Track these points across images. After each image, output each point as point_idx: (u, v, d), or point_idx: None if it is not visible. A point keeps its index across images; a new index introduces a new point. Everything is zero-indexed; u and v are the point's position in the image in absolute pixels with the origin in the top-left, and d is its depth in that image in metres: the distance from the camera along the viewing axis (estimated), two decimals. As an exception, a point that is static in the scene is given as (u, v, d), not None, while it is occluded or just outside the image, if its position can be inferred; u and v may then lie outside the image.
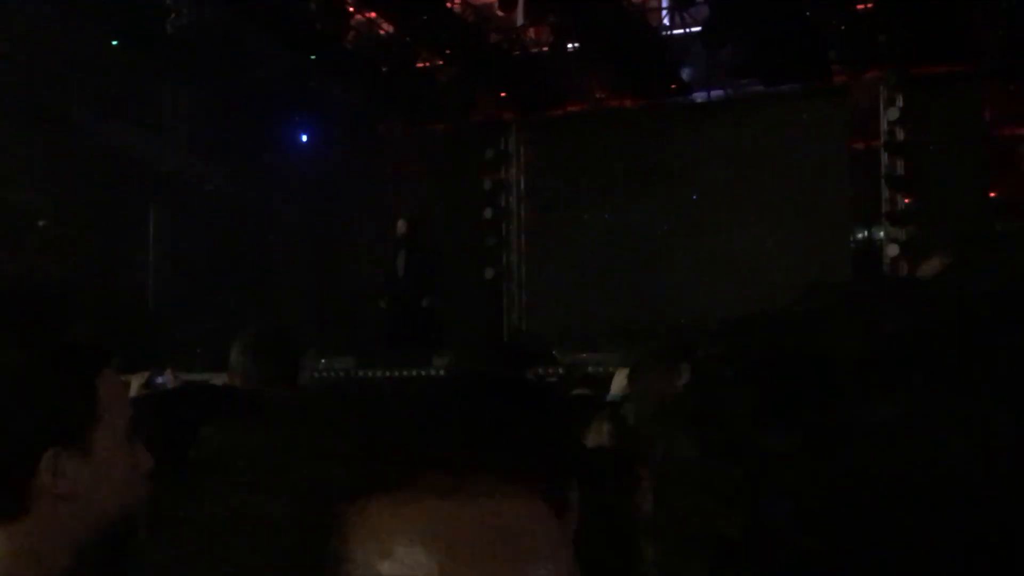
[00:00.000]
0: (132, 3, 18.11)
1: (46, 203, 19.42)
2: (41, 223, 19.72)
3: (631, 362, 5.12)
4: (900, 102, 18.93)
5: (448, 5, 20.22)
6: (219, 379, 4.77)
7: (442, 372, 14.52)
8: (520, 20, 20.45)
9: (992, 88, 19.00)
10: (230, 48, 19.23)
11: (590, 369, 14.05)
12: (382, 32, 20.56)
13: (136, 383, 5.75)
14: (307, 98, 20.98)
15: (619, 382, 4.81)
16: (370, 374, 16.22)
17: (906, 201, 19.04)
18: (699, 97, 21.01)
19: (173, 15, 18.92)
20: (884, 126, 19.16)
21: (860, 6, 18.16)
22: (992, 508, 0.70)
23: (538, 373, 12.25)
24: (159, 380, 5.87)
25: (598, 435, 5.21)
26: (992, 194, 19.03)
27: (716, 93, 20.76)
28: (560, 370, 13.99)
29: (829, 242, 19.27)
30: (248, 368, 4.55)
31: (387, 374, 15.95)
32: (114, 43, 18.36)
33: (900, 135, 19.04)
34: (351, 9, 19.74)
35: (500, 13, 19.78)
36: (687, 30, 20.18)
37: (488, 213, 21.40)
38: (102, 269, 19.95)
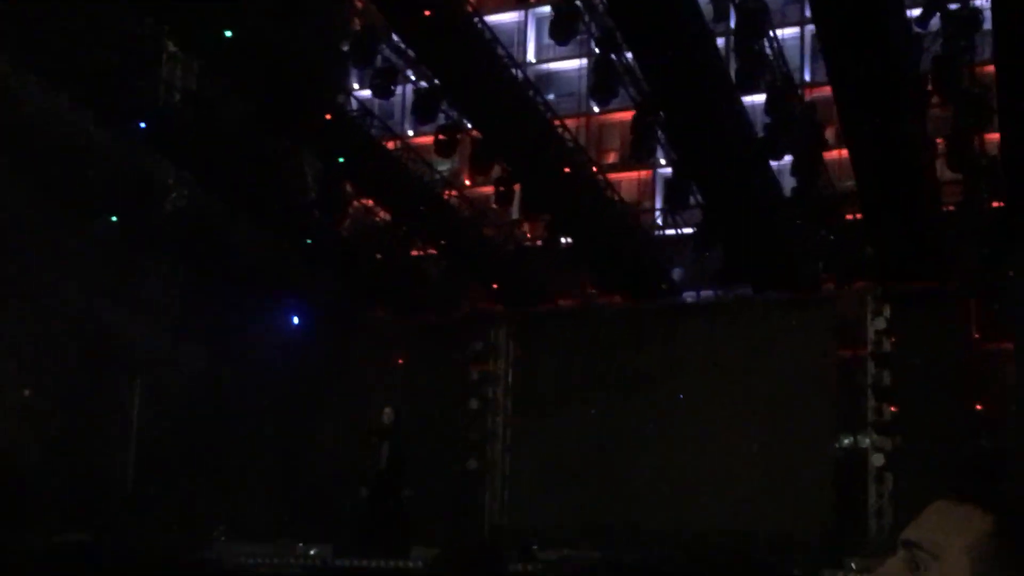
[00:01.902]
0: (131, 183, 18.38)
1: (27, 375, 19.36)
2: (25, 392, 19.62)
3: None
4: (887, 313, 19.12)
5: (444, 197, 20.59)
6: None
7: (420, 564, 14.29)
8: (514, 215, 20.78)
9: (977, 305, 19.23)
10: (224, 231, 19.42)
11: (567, 570, 13.85)
12: (378, 220, 20.85)
13: None
14: (297, 283, 21.11)
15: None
16: (347, 563, 15.95)
17: (892, 411, 19.06)
18: (688, 298, 21.23)
19: (173, 194, 19.21)
20: (871, 336, 19.30)
21: (848, 217, 18.49)
22: None
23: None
24: None
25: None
26: (977, 407, 19.07)
27: (705, 295, 20.98)
28: (539, 566, 13.79)
29: (813, 449, 19.21)
30: None
31: (364, 564, 15.69)
32: (113, 219, 18.55)
33: (886, 346, 19.18)
34: (349, 196, 20.06)
35: (495, 207, 20.09)
36: (679, 231, 20.51)
37: (474, 404, 21.35)
38: (80, 442, 19.77)
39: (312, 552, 17.19)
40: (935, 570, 1.57)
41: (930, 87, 15.47)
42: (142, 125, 16.99)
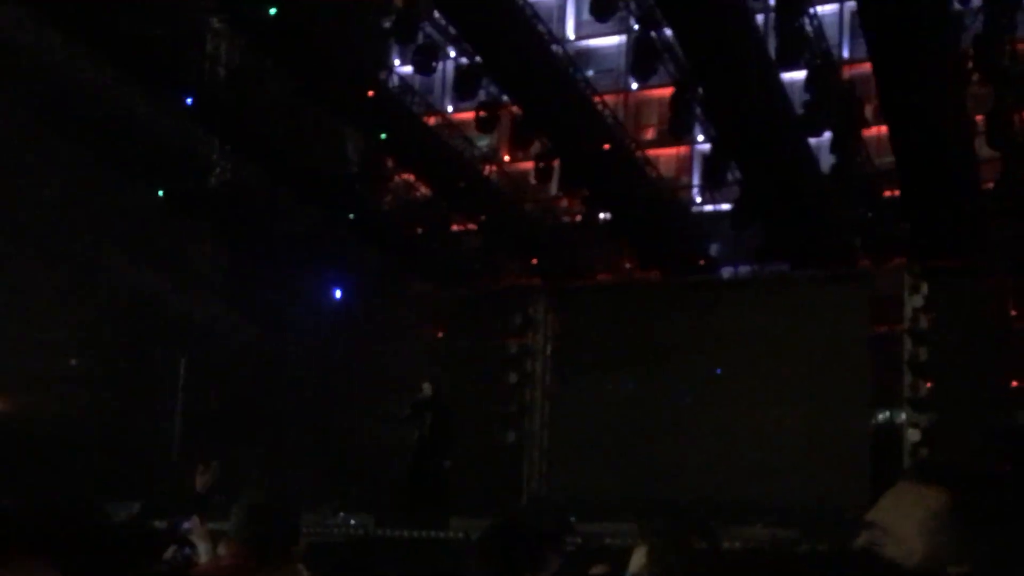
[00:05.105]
0: (177, 157, 18.65)
1: (78, 343, 19.73)
2: (72, 361, 19.98)
3: (649, 538, 5.13)
4: (924, 290, 19.16)
5: (485, 173, 20.73)
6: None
7: (460, 535, 14.53)
8: (554, 191, 20.91)
9: (1013, 282, 19.23)
10: (268, 204, 19.71)
11: (607, 540, 14.01)
12: (419, 195, 21.04)
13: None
14: (340, 255, 21.33)
15: (638, 560, 4.80)
16: (388, 533, 16.20)
17: (927, 386, 19.12)
18: (725, 274, 21.30)
19: (217, 169, 19.48)
20: (908, 312, 19.34)
21: (886, 194, 18.52)
22: None
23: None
24: (185, 525, 5.99)
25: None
26: (1014, 383, 19.09)
27: (742, 271, 21.05)
28: (578, 539, 13.96)
29: (849, 424, 19.29)
30: (244, 533, 4.37)
31: (404, 534, 15.93)
32: (160, 193, 18.82)
33: (923, 322, 19.22)
34: (391, 171, 20.26)
35: (534, 182, 20.23)
36: (716, 208, 20.58)
37: (512, 378, 21.54)
38: (127, 411, 20.13)
39: (353, 522, 17.47)
40: (890, 549, 1.66)
41: (970, 64, 15.46)
42: (188, 100, 17.23)
